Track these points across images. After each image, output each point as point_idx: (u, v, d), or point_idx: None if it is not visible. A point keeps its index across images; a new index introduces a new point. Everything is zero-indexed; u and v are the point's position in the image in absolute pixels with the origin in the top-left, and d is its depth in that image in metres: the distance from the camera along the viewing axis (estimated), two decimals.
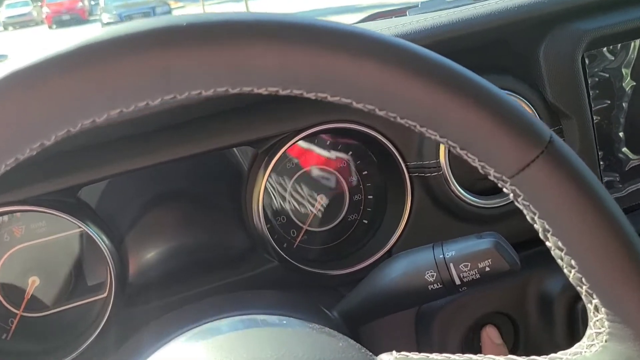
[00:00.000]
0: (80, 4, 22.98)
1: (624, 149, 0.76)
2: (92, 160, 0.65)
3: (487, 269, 0.57)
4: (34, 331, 0.69)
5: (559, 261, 0.39)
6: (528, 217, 0.39)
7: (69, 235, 0.70)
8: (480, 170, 0.39)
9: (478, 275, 0.58)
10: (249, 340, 0.43)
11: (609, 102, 0.75)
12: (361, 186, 0.79)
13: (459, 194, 0.71)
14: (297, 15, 0.35)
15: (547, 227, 0.38)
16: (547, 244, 0.39)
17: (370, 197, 0.79)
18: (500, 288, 0.73)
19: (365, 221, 0.79)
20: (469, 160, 0.38)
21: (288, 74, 0.34)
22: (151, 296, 0.72)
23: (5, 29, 23.82)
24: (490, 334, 0.72)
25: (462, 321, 0.71)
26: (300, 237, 0.77)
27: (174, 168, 0.73)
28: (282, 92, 0.35)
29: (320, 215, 0.78)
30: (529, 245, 0.73)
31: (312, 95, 0.35)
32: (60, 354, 0.66)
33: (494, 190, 0.73)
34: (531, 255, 0.72)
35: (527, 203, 0.38)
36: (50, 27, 22.08)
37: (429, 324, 0.71)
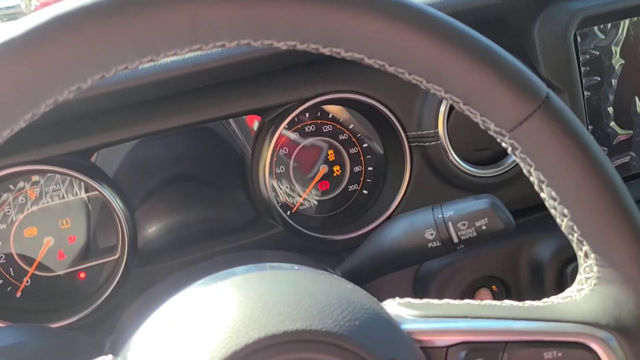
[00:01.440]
0: None
1: (612, 124, 0.80)
2: (106, 125, 0.68)
3: (484, 227, 0.61)
4: (47, 290, 0.72)
5: (552, 211, 0.43)
6: (524, 170, 0.42)
7: (83, 198, 0.72)
8: (481, 125, 0.42)
9: (475, 234, 0.61)
10: (264, 279, 0.45)
11: (599, 78, 0.79)
12: (361, 158, 0.82)
13: (456, 162, 0.74)
14: None
15: (542, 178, 0.41)
16: (542, 195, 0.42)
17: (370, 168, 0.82)
18: (494, 253, 0.76)
19: (365, 192, 0.83)
20: (471, 115, 0.41)
21: (306, 29, 0.37)
22: (160, 259, 0.75)
23: None
24: (483, 296, 0.76)
25: (458, 283, 0.75)
26: (301, 203, 0.80)
27: (183, 149, 0.76)
28: (299, 47, 0.38)
29: (322, 184, 0.81)
30: (521, 214, 0.77)
31: (327, 50, 0.38)
32: (73, 311, 0.69)
33: (490, 161, 0.77)
34: (523, 223, 0.76)
35: (524, 156, 0.41)
36: None
37: (426, 286, 0.75)
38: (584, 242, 0.42)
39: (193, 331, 0.39)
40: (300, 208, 0.81)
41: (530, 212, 0.78)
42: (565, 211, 0.41)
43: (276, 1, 0.35)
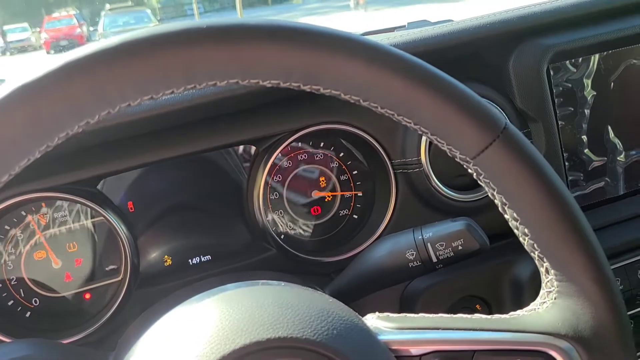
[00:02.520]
0: (78, 30, 23.24)
1: (586, 151, 0.85)
2: (111, 155, 0.73)
3: (460, 247, 0.65)
4: (54, 310, 0.76)
5: (515, 230, 0.47)
6: (489, 193, 0.47)
7: (88, 224, 0.77)
8: (449, 153, 0.47)
9: (452, 254, 0.66)
10: (252, 293, 0.49)
11: (572, 109, 0.84)
12: (351, 184, 0.87)
13: (438, 188, 0.79)
14: (300, 22, 0.43)
15: (504, 200, 0.46)
16: (505, 216, 0.47)
17: (360, 194, 0.87)
18: (477, 274, 0.81)
19: (355, 216, 0.87)
20: (439, 144, 0.46)
21: (288, 70, 0.42)
22: (160, 280, 0.80)
23: (3, 54, 24.02)
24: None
25: (442, 303, 0.79)
26: (293, 227, 0.85)
27: (183, 179, 0.81)
28: (282, 85, 0.43)
29: (314, 209, 0.86)
30: (501, 237, 0.81)
31: (307, 88, 0.43)
32: (79, 329, 0.74)
33: (470, 186, 0.82)
34: (503, 246, 0.81)
35: (487, 180, 0.46)
36: (48, 53, 22.27)
37: (412, 305, 0.79)
38: (544, 259, 0.47)
39: (185, 340, 0.43)
40: (293, 232, 0.85)
41: (508, 236, 0.82)
42: (526, 230, 0.46)
43: (261, 47, 0.41)
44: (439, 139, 0.46)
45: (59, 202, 0.76)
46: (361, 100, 0.44)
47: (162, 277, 0.81)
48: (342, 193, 0.87)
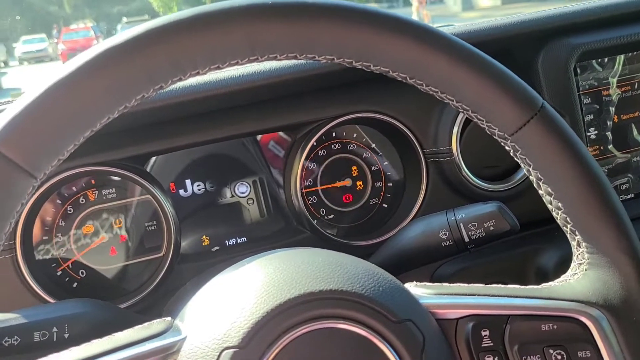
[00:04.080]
0: (95, 42, 23.54)
1: (610, 147, 0.88)
2: (160, 134, 0.78)
3: (492, 228, 0.68)
4: (99, 282, 0.80)
5: (548, 205, 0.50)
6: (524, 169, 0.50)
7: (134, 201, 0.81)
8: (487, 131, 0.50)
9: (484, 234, 0.69)
10: (304, 254, 0.52)
11: (598, 106, 0.88)
12: (382, 174, 0.91)
13: (468, 177, 0.83)
14: (355, 3, 0.47)
15: (539, 176, 0.49)
16: (540, 191, 0.50)
17: (390, 184, 0.91)
18: (503, 261, 0.83)
19: (385, 205, 0.91)
20: (479, 122, 0.50)
21: (343, 47, 0.45)
22: (198, 258, 0.84)
23: (21, 63, 24.37)
24: None
25: None
26: (326, 213, 0.89)
27: (220, 165, 0.85)
28: (336, 60, 0.47)
29: (345, 197, 0.90)
30: (527, 227, 0.84)
31: (359, 64, 0.47)
32: (121, 300, 0.77)
33: (499, 177, 0.85)
34: (529, 235, 0.84)
35: (524, 157, 0.49)
36: (64, 64, 22.52)
37: None
38: (576, 233, 0.50)
39: (243, 291, 0.46)
40: (326, 218, 0.89)
41: (536, 226, 0.86)
42: (560, 205, 0.49)
43: (319, 24, 0.44)
44: (479, 116, 0.49)
45: (107, 180, 0.80)
46: (408, 78, 0.48)
47: (200, 255, 0.85)
48: (372, 183, 0.90)
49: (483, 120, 0.49)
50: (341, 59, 0.46)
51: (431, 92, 0.48)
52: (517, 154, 0.49)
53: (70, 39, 23.02)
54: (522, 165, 0.50)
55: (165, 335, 0.46)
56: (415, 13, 13.93)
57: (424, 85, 0.48)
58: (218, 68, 0.45)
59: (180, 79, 0.44)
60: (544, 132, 0.48)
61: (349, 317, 0.45)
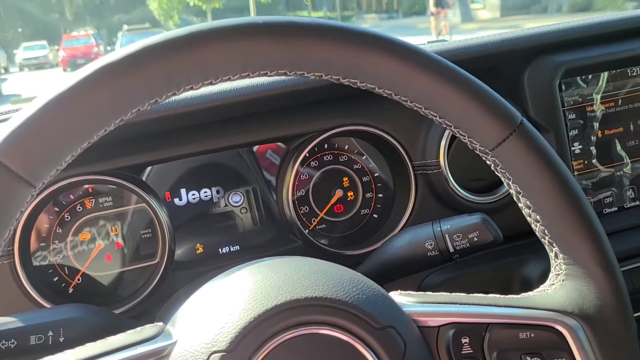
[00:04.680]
0: (95, 49, 23.53)
1: (594, 161, 0.91)
2: (154, 146, 0.80)
3: (475, 239, 0.70)
4: (95, 288, 0.82)
5: (527, 218, 0.52)
6: (505, 183, 0.52)
7: (130, 210, 0.84)
8: (469, 146, 0.52)
9: (468, 245, 0.71)
10: (291, 262, 0.54)
11: (582, 122, 0.90)
12: (373, 185, 0.93)
13: (455, 189, 0.85)
14: (342, 23, 0.49)
15: (519, 189, 0.51)
16: (519, 204, 0.52)
17: (380, 195, 0.93)
18: (489, 271, 0.86)
19: (375, 215, 0.93)
20: (461, 137, 0.52)
21: (330, 64, 0.47)
22: (191, 266, 0.86)
23: (21, 69, 24.36)
24: None
25: None
26: (318, 222, 0.91)
27: (214, 175, 0.87)
28: (324, 77, 0.49)
29: (336, 207, 0.92)
30: (513, 239, 0.87)
31: (346, 81, 0.49)
32: (116, 307, 0.79)
33: (484, 190, 0.87)
34: (515, 247, 0.86)
35: (504, 171, 0.51)
36: (64, 70, 22.56)
37: None
38: (554, 244, 0.51)
39: (231, 297, 0.48)
40: (317, 227, 0.91)
41: (521, 237, 0.88)
42: (538, 217, 0.51)
43: (308, 42, 0.46)
44: (461, 132, 0.51)
45: (104, 188, 0.82)
46: (393, 94, 0.50)
47: (194, 263, 0.87)
48: (363, 194, 0.93)
49: (465, 136, 0.51)
50: (329, 76, 0.48)
51: (415, 108, 0.50)
52: (498, 168, 0.51)
53: (70, 46, 23.00)
54: (502, 179, 0.52)
55: (157, 339, 0.47)
56: (433, 30, 13.30)
57: (408, 101, 0.50)
58: (211, 83, 0.47)
59: (174, 94, 0.46)
60: (522, 147, 0.50)
61: (333, 323, 0.47)
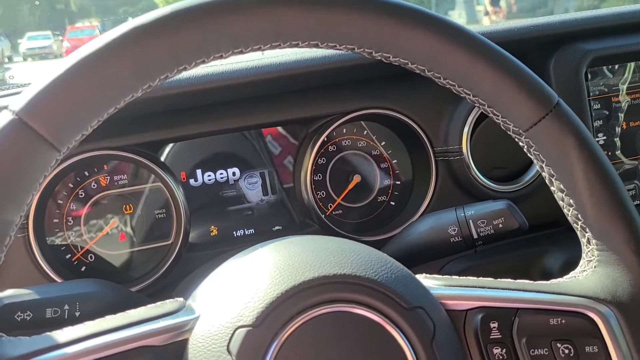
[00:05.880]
0: None
1: (618, 153, 0.89)
2: (174, 122, 0.78)
3: (500, 225, 0.69)
4: (107, 267, 0.81)
5: (560, 202, 0.51)
6: (537, 166, 0.51)
7: (145, 188, 0.82)
8: (502, 126, 0.51)
9: (492, 231, 0.69)
10: (318, 240, 0.52)
11: (607, 112, 0.88)
12: (391, 172, 0.92)
13: (477, 177, 0.83)
14: None
15: (552, 172, 0.50)
16: (552, 188, 0.51)
17: (398, 182, 0.92)
18: (509, 261, 0.84)
19: (393, 203, 0.92)
20: (494, 117, 0.50)
21: (364, 37, 0.46)
22: (205, 247, 0.84)
23: (25, 59, 24.35)
24: None
25: None
26: (335, 207, 0.89)
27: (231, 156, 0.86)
28: (356, 50, 0.48)
29: (353, 193, 0.90)
30: (533, 229, 0.85)
31: (378, 55, 0.48)
32: (129, 286, 0.78)
33: (505, 178, 0.86)
34: (535, 238, 0.85)
35: (538, 153, 0.50)
36: (92, 40, 22.46)
37: None
38: (587, 230, 0.50)
39: (257, 273, 0.47)
40: (334, 213, 0.90)
41: (542, 228, 0.87)
42: (572, 202, 0.49)
43: (341, 14, 0.45)
44: (494, 111, 0.49)
45: (119, 166, 0.80)
46: (426, 70, 0.48)
47: (208, 245, 0.85)
48: (380, 180, 0.91)
49: (498, 116, 0.49)
50: (361, 49, 0.47)
51: (448, 86, 0.49)
52: (531, 150, 0.50)
53: (75, 37, 23.00)
54: (535, 161, 0.50)
55: (179, 314, 0.46)
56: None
57: (442, 78, 0.48)
58: (241, 52, 0.45)
59: (203, 61, 0.44)
60: (558, 128, 0.48)
61: (362, 302, 0.45)
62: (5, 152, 0.40)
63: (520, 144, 0.50)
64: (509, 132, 0.50)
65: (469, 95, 0.49)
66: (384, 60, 0.47)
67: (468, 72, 0.47)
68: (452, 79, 0.48)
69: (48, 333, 0.43)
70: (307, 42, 0.46)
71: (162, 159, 0.84)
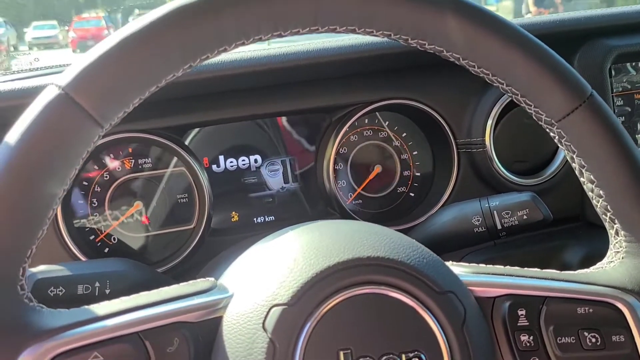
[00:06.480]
0: (105, 31, 23.43)
1: None
2: (200, 108, 0.79)
3: (525, 217, 0.69)
4: (130, 250, 0.82)
5: (589, 193, 0.51)
6: (568, 157, 0.51)
7: (169, 172, 0.83)
8: (534, 116, 0.51)
9: (517, 222, 0.70)
10: (349, 224, 0.53)
11: (630, 109, 0.89)
12: (411, 164, 0.92)
13: (499, 170, 0.84)
14: None
15: (583, 163, 0.50)
16: (581, 179, 0.51)
17: (419, 174, 0.92)
18: (528, 256, 0.84)
19: (412, 194, 0.92)
20: (526, 107, 0.51)
21: (402, 24, 0.46)
22: (226, 232, 0.85)
23: (30, 48, 24.32)
24: None
25: None
26: (355, 197, 0.90)
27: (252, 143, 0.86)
28: (393, 37, 0.48)
29: (373, 183, 0.91)
30: (554, 224, 0.85)
31: (414, 42, 0.48)
32: (153, 268, 0.78)
33: (526, 172, 0.86)
34: (556, 232, 0.85)
35: (569, 143, 0.50)
36: (74, 51, 22.52)
37: None
38: (616, 221, 0.50)
39: (291, 253, 0.47)
40: (354, 202, 0.90)
41: (562, 223, 0.87)
42: (601, 192, 0.50)
43: (383, 2, 0.45)
44: (527, 101, 0.50)
45: (144, 150, 0.81)
46: (461, 59, 0.49)
47: (229, 230, 0.86)
48: (401, 171, 0.91)
49: (531, 105, 0.50)
50: (398, 36, 0.47)
51: (482, 75, 0.49)
52: (562, 141, 0.50)
53: (81, 27, 22.94)
54: (565, 152, 0.50)
55: (212, 292, 0.46)
56: None
57: (476, 67, 0.49)
58: (280, 36, 0.46)
59: (243, 43, 0.45)
60: (591, 119, 0.48)
61: (395, 285, 0.46)
62: (51, 127, 0.40)
63: (552, 134, 0.50)
64: (540, 123, 0.50)
65: (502, 84, 0.49)
66: (419, 48, 0.48)
67: (503, 60, 0.48)
68: (487, 68, 0.49)
69: (86, 306, 0.43)
70: (344, 27, 0.46)
71: (187, 143, 0.85)
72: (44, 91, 0.41)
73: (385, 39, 0.47)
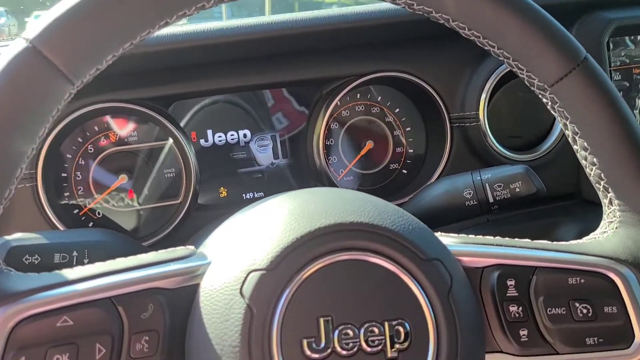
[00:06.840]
0: None
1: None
2: (186, 78, 0.77)
3: (517, 189, 0.67)
4: (114, 224, 0.80)
5: (582, 161, 0.49)
6: (561, 123, 0.49)
7: (155, 146, 0.81)
8: (526, 81, 0.49)
9: (509, 195, 0.68)
10: (334, 190, 0.51)
11: (628, 84, 0.87)
12: (404, 140, 0.90)
13: (493, 145, 0.82)
14: None
15: (576, 130, 0.48)
16: (574, 147, 0.49)
17: (411, 150, 0.90)
18: (521, 232, 0.82)
19: (405, 171, 0.90)
20: (518, 72, 0.49)
21: None
22: (214, 208, 0.83)
23: None
24: None
25: None
26: (346, 173, 0.88)
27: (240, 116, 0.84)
28: None
29: (365, 160, 0.89)
30: (547, 201, 0.84)
31: (402, 3, 0.46)
32: (139, 242, 0.77)
33: (520, 148, 0.84)
34: (550, 209, 0.83)
35: (562, 109, 0.48)
36: None
37: None
38: (609, 190, 0.49)
39: (271, 220, 0.46)
40: (345, 178, 0.88)
41: (556, 200, 0.85)
42: (595, 160, 0.48)
43: None
44: (519, 65, 0.48)
45: (129, 121, 0.79)
46: (450, 20, 0.47)
47: (217, 206, 0.84)
48: (393, 148, 0.90)
49: (523, 70, 0.48)
50: None
51: (472, 37, 0.47)
52: (555, 107, 0.48)
53: None
54: (558, 118, 0.49)
55: (190, 259, 0.45)
56: None
57: (466, 29, 0.47)
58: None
59: (222, 1, 0.43)
60: (585, 84, 0.47)
61: (379, 251, 0.44)
62: (18, 81, 0.39)
63: (544, 100, 0.49)
64: (532, 88, 0.49)
65: (494, 47, 0.48)
66: (408, 8, 0.46)
67: (493, 22, 0.46)
68: (477, 30, 0.47)
69: (57, 271, 0.42)
70: None
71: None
72: (12, 44, 0.39)
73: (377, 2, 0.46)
